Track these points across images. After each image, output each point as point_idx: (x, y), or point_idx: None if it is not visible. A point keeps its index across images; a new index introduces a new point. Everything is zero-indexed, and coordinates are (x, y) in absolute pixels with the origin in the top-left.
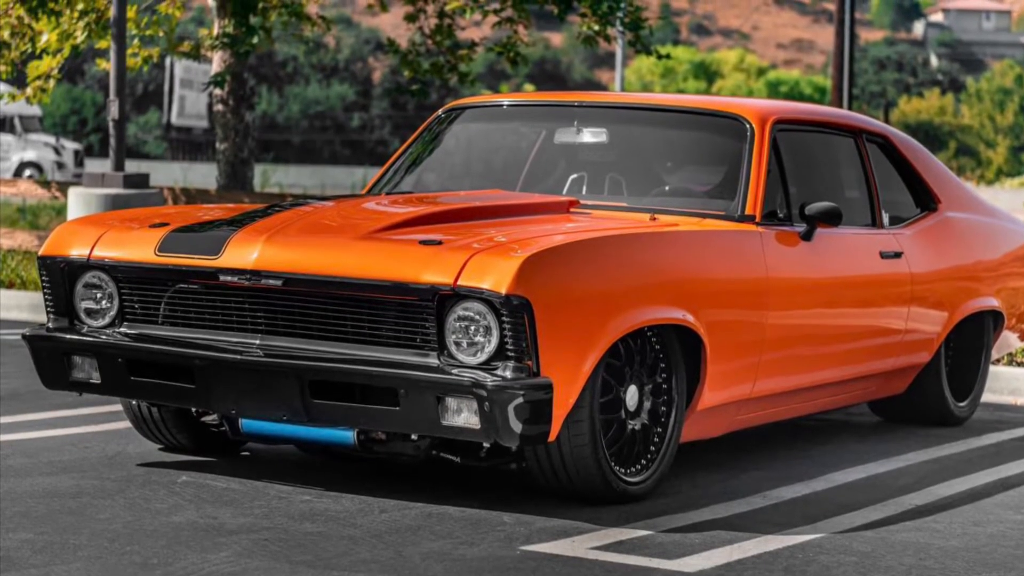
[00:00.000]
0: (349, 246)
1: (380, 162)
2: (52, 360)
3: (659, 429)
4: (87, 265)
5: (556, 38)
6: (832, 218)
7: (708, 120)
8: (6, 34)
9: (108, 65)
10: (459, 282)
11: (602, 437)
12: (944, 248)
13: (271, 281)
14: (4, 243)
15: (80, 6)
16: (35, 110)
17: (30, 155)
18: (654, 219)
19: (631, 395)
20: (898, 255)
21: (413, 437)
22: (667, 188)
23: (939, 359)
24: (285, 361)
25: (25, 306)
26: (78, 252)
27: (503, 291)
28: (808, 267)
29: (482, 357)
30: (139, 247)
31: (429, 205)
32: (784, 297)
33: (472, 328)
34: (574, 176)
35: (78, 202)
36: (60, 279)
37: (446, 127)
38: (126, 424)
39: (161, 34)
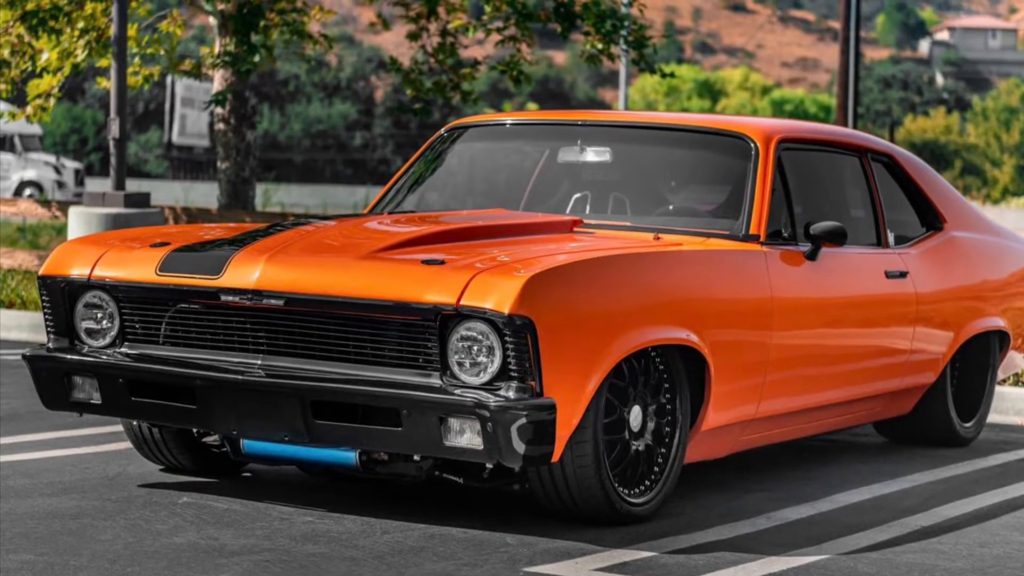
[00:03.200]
0: (351, 266)
1: (382, 181)
2: (52, 380)
3: (663, 450)
4: (88, 285)
5: (559, 56)
6: (837, 237)
7: (712, 139)
8: (6, 52)
9: (109, 84)
10: (462, 302)
11: (606, 458)
12: (950, 268)
13: (273, 301)
14: (4, 263)
15: (81, 24)
16: (35, 129)
17: (30, 174)
18: (658, 238)
19: (635, 416)
20: (903, 275)
21: (415, 458)
22: (671, 207)
23: (945, 379)
24: (287, 381)
25: (25, 326)
26: (78, 272)
27: (506, 311)
28: (813, 287)
29: (485, 377)
30: (140, 267)
31: (432, 224)
32: (789, 317)
33: (475, 348)
34: (577, 195)
35: (78, 221)
36: (60, 299)
37: (449, 146)
38: (127, 445)
39: (162, 52)
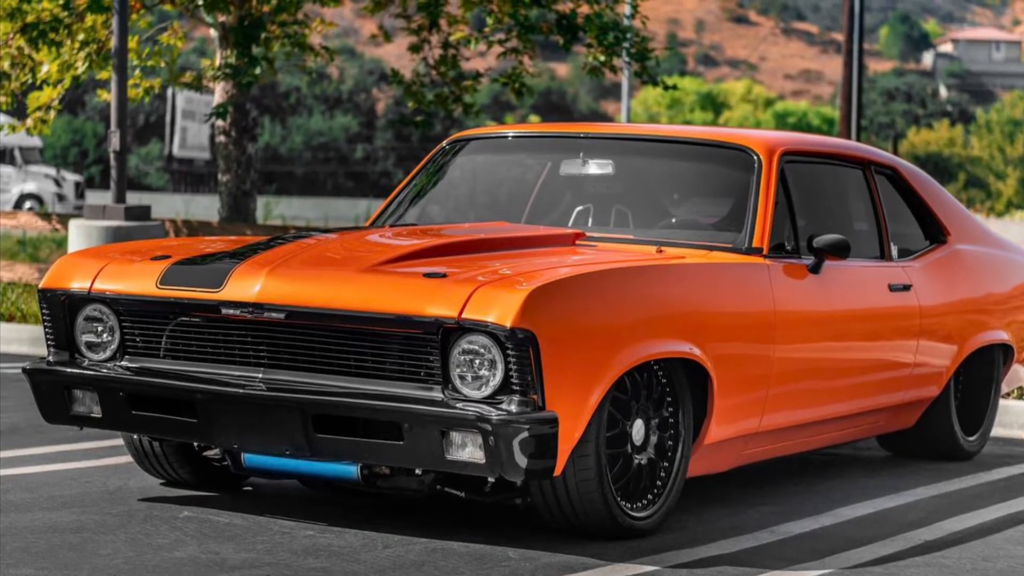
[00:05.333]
0: (352, 279)
1: (384, 194)
2: (53, 394)
3: (666, 463)
4: (88, 298)
5: (561, 69)
6: (840, 250)
7: (715, 152)
8: (6, 65)
9: (109, 96)
10: (464, 315)
11: (608, 472)
12: (953, 281)
13: (273, 314)
14: (4, 276)
15: (81, 36)
16: (35, 141)
17: (30, 187)
18: (660, 251)
19: (637, 429)
20: (907, 288)
21: (417, 472)
22: (674, 220)
23: (948, 393)
24: (288, 395)
25: (25, 339)
26: (79, 285)
27: (508, 324)
28: (816, 300)
29: (487, 391)
30: (140, 280)
31: (433, 237)
32: (792, 330)
33: (477, 361)
34: (580, 208)
35: (79, 234)
36: (61, 312)
37: (450, 159)
38: (127, 458)
39: (163, 65)
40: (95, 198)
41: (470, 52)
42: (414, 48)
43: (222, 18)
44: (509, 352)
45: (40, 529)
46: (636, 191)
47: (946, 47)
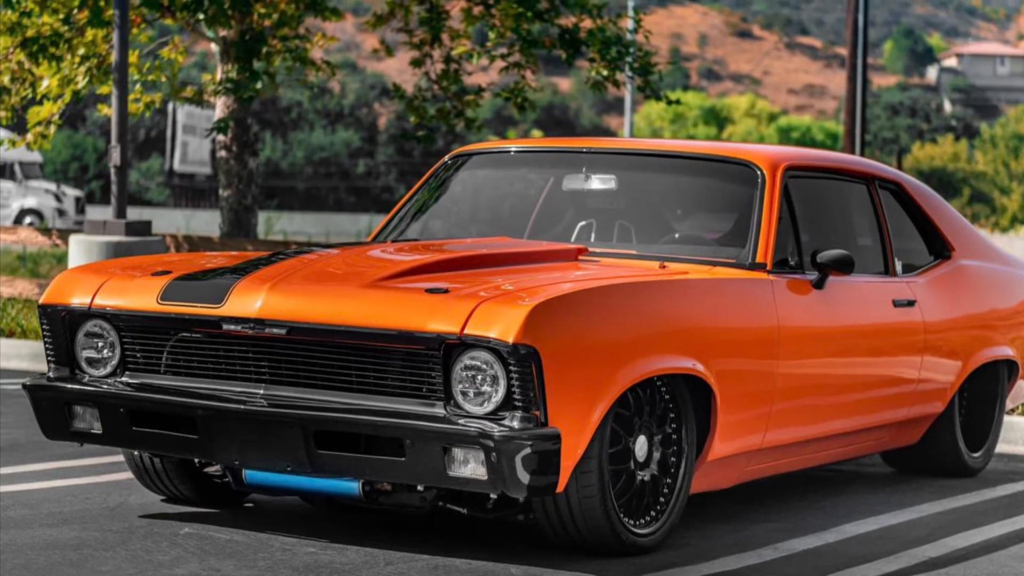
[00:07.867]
0: (354, 294)
1: (385, 209)
2: (53, 410)
3: (669, 480)
4: (88, 314)
5: (564, 83)
6: (844, 266)
7: (718, 166)
8: (6, 79)
9: (110, 111)
10: (466, 331)
11: (611, 488)
12: (958, 296)
13: (275, 330)
14: (4, 291)
15: (81, 51)
16: (36, 156)
17: (31, 202)
18: (664, 267)
19: (640, 445)
20: (911, 303)
21: (419, 488)
22: (677, 235)
23: (953, 409)
24: (289, 411)
25: (25, 355)
26: (79, 300)
27: (510, 340)
28: (820, 316)
29: (489, 407)
30: (141, 295)
31: (435, 253)
32: (795, 346)
33: (479, 377)
34: (582, 223)
35: (79, 250)
36: (61, 328)
37: (452, 174)
38: (128, 475)
39: (163, 79)
40: (96, 213)
41: (472, 67)
42: (416, 63)
43: (223, 32)
44: (511, 368)
45: (40, 546)
46: (639, 206)
47: (950, 61)
